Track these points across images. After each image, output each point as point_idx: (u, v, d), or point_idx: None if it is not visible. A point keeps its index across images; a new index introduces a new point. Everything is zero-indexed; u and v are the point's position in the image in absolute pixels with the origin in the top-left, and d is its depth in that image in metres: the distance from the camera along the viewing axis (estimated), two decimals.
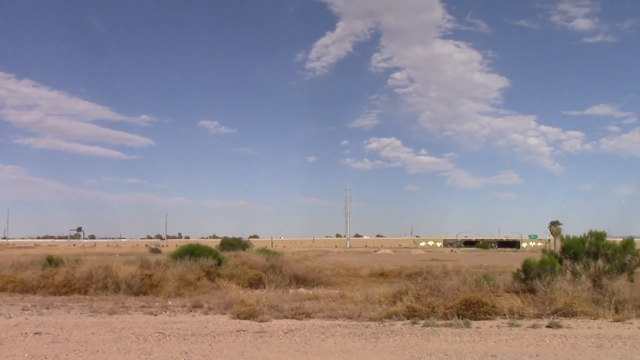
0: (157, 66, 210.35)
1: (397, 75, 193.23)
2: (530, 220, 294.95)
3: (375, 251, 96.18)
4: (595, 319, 12.91)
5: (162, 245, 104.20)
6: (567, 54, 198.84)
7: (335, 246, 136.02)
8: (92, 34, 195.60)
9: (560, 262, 16.95)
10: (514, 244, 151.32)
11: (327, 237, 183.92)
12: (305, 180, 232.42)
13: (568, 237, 17.63)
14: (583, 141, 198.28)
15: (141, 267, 20.11)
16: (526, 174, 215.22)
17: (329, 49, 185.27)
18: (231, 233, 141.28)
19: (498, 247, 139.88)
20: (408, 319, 12.98)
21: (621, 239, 17.37)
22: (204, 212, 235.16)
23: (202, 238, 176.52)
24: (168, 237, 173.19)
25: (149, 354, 9.05)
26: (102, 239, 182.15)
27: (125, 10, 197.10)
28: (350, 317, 13.42)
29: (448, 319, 12.68)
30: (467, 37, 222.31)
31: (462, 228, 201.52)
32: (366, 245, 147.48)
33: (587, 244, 17.14)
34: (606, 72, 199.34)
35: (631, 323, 12.39)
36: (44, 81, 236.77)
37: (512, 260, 49.05)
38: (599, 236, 17.30)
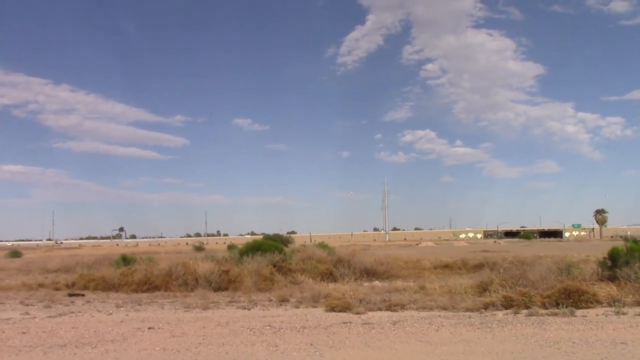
0: (189, 66, 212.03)
1: (429, 66, 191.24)
2: (571, 209, 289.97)
3: (417, 244, 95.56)
4: None
5: (204, 243, 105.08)
6: (604, 37, 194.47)
7: (374, 240, 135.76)
8: (125, 36, 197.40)
9: None
10: (556, 234, 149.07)
11: (364, 231, 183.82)
12: (340, 175, 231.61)
13: None
14: (623, 127, 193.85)
15: (218, 263, 20.30)
16: (565, 162, 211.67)
17: (359, 42, 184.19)
18: (268, 230, 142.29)
19: (540, 237, 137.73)
20: (506, 309, 12.88)
21: None
22: (241, 210, 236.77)
23: (240, 235, 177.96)
24: (207, 235, 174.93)
25: (276, 346, 9.15)
26: (143, 238, 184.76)
27: (157, 11, 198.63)
28: (444, 308, 13.38)
29: (547, 308, 12.58)
30: (500, 25, 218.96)
31: (501, 219, 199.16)
32: (405, 239, 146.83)
33: None
34: None
35: None
36: (80, 85, 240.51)
37: (565, 250, 48.47)
38: None
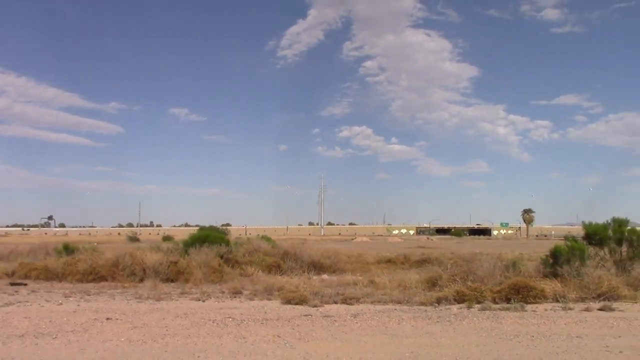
0: (126, 53, 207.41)
1: (368, 63, 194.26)
2: (500, 208, 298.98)
3: (353, 239, 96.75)
4: (635, 302, 13.34)
5: (138, 234, 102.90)
6: (536, 43, 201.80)
7: (309, 234, 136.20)
8: (61, 19, 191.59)
9: None
10: (485, 232, 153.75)
11: (299, 225, 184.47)
12: (277, 169, 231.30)
13: (592, 223, 18.10)
14: (551, 130, 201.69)
15: (165, 254, 20.00)
16: (495, 162, 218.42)
17: (300, 36, 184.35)
18: (203, 221, 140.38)
19: (470, 234, 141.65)
20: (458, 303, 13.26)
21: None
22: (175, 200, 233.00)
23: (174, 226, 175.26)
24: (140, 226, 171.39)
25: (243, 338, 9.13)
26: (73, 227, 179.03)
27: None
28: (399, 302, 13.64)
29: (497, 303, 13.03)
30: (438, 26, 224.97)
31: (433, 216, 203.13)
32: (340, 233, 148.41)
33: (610, 231, 17.70)
34: (574, 62, 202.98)
35: None
36: (11, 67, 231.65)
37: (497, 247, 50.08)
38: (621, 223, 17.86)
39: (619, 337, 9.34)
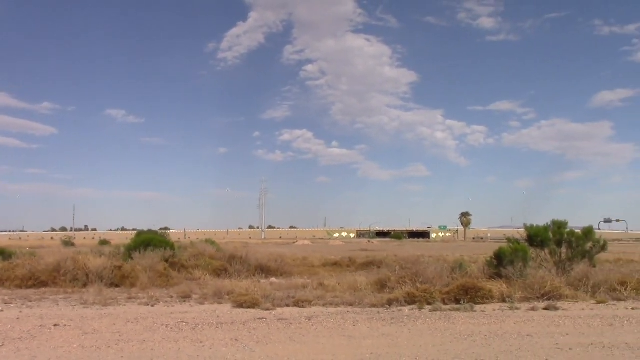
0: (60, 52, 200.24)
1: (309, 67, 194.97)
2: (438, 212, 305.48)
3: (294, 242, 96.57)
4: (576, 302, 13.84)
5: (72, 238, 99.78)
6: (472, 51, 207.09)
7: (250, 238, 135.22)
8: None
9: None
10: (424, 235, 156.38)
11: (240, 228, 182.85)
12: (217, 172, 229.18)
13: (533, 226, 18.70)
14: (486, 135, 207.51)
15: (109, 258, 19.50)
16: (433, 166, 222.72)
17: (240, 39, 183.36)
18: (140, 225, 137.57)
19: (409, 237, 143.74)
20: (409, 304, 13.45)
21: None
22: (112, 204, 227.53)
23: (111, 230, 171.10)
24: (75, 230, 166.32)
25: (200, 342, 9.00)
26: (3, 231, 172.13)
27: None
28: (350, 304, 13.70)
29: (446, 304, 13.29)
30: (378, 31, 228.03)
31: (373, 219, 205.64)
32: (281, 237, 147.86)
33: (551, 233, 18.32)
34: (508, 70, 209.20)
35: (614, 304, 13.43)
36: None
37: (437, 250, 51.08)
38: (561, 225, 18.51)
39: (567, 335, 9.67)
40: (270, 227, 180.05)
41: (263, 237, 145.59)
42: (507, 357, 7.94)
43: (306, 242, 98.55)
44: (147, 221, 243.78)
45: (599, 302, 13.65)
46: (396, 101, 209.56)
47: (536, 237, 18.21)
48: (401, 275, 16.63)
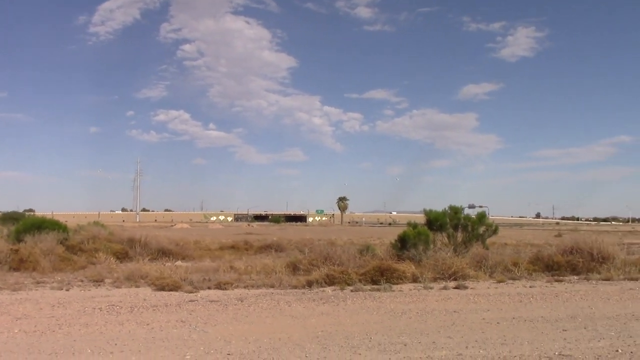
0: None
1: (186, 47, 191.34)
2: (315, 196, 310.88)
3: (172, 226, 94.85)
4: (478, 281, 15.00)
5: None
6: (350, 39, 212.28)
7: (124, 221, 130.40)
8: None
9: None
10: (301, 219, 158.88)
11: (112, 211, 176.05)
12: (87, 152, 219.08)
13: (432, 210, 19.88)
14: (361, 123, 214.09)
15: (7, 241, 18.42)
16: (310, 151, 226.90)
17: (114, 13, 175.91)
18: (1, 207, 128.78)
19: (286, 221, 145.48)
20: (329, 285, 13.95)
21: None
22: None
23: None
24: None
25: (147, 325, 8.94)
26: None
27: None
28: (272, 286, 14.00)
29: (365, 285, 13.93)
30: (258, 14, 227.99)
31: (251, 203, 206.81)
32: (156, 220, 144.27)
33: (448, 218, 19.57)
34: (383, 59, 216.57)
35: (512, 283, 14.72)
36: None
37: (322, 233, 52.39)
38: (456, 210, 19.82)
39: (488, 310, 10.58)
40: (144, 210, 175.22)
41: (138, 220, 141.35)
42: (447, 332, 8.60)
43: (185, 225, 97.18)
44: (8, 202, 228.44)
45: (498, 281, 14.87)
46: (275, 86, 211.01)
47: (435, 222, 19.38)
48: (312, 258, 17.14)
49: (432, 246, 17.84)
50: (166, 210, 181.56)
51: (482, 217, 19.76)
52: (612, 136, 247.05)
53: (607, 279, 15.28)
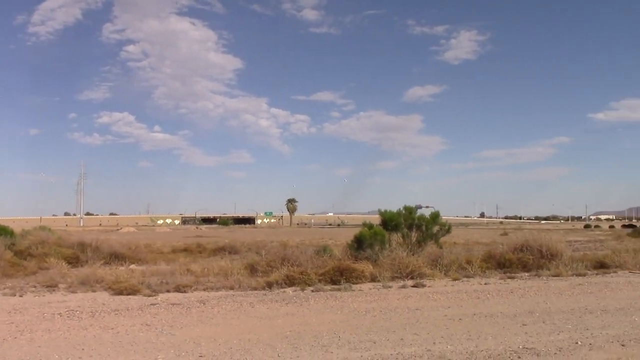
0: None
1: (130, 48, 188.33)
2: (263, 198, 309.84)
3: (118, 229, 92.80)
4: (434, 279, 15.30)
5: None
6: (297, 41, 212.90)
7: (67, 225, 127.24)
8: None
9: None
10: (249, 221, 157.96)
11: (54, 215, 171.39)
12: (27, 155, 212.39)
13: (387, 211, 20.14)
14: (309, 125, 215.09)
15: None
16: (258, 153, 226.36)
17: (55, 13, 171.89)
18: None
19: (235, 223, 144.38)
20: (289, 286, 13.99)
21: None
22: None
23: None
24: None
25: (112, 329, 8.80)
26: None
27: None
28: (231, 288, 13.95)
29: (326, 285, 14.03)
30: (203, 15, 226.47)
31: (198, 206, 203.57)
32: (101, 224, 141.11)
33: (402, 218, 19.88)
34: (330, 61, 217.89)
35: (467, 281, 15.08)
36: None
37: (273, 235, 52.31)
38: (410, 210, 20.15)
39: (449, 307, 10.83)
40: (88, 213, 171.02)
41: (82, 224, 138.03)
42: (413, 329, 8.78)
43: (131, 229, 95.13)
44: None
45: (454, 279, 15.22)
46: (221, 87, 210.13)
47: (390, 222, 19.64)
48: (270, 259, 17.15)
49: (387, 246, 18.11)
50: (111, 213, 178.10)
51: (435, 216, 20.12)
52: (552, 137, 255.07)
53: (557, 275, 15.81)
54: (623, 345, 7.53)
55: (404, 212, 20.04)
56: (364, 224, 20.05)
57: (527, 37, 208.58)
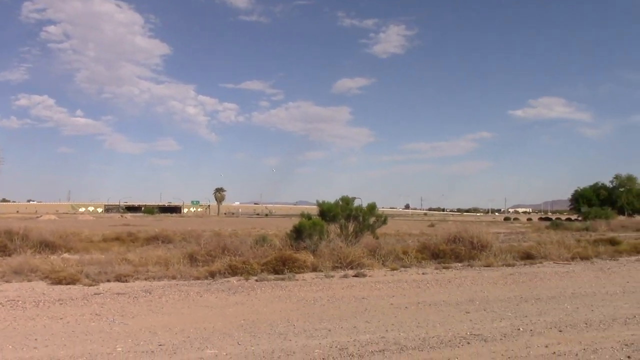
0: None
1: (51, 28, 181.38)
2: (190, 187, 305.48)
3: (38, 217, 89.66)
4: (373, 269, 15.70)
5: None
6: (226, 28, 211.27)
7: None
8: None
9: None
10: (176, 209, 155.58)
11: None
12: None
13: (325, 202, 20.43)
14: (237, 113, 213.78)
15: None
16: (185, 141, 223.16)
17: None
18: None
19: (160, 212, 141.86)
20: (232, 276, 14.05)
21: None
22: None
23: None
24: None
25: (61, 319, 8.64)
26: None
27: None
28: (173, 277, 13.88)
29: (267, 274, 14.17)
30: None
31: (123, 194, 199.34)
32: (18, 211, 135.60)
33: (340, 208, 20.22)
34: (259, 50, 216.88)
35: (405, 270, 15.57)
36: None
37: (205, 225, 51.84)
38: (348, 201, 20.52)
39: (393, 296, 11.21)
40: (4, 200, 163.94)
41: None
42: (363, 317, 9.06)
43: (52, 216, 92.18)
44: None
45: (392, 269, 15.68)
46: (147, 73, 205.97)
47: (329, 212, 19.94)
48: (210, 249, 17.12)
49: (326, 236, 18.38)
50: (29, 200, 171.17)
51: (372, 208, 20.56)
52: (474, 132, 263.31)
53: (488, 265, 16.55)
54: (560, 331, 8.05)
55: (341, 203, 20.37)
56: (302, 215, 20.25)
57: (453, 35, 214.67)
